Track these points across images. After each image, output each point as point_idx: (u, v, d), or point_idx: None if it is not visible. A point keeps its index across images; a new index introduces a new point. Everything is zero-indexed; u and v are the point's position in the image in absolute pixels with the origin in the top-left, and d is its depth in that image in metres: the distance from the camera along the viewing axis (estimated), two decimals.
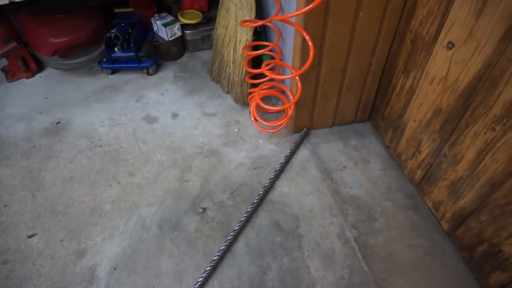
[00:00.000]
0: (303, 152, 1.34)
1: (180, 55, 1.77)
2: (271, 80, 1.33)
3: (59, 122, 1.53)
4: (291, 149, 1.32)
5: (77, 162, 1.37)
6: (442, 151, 1.06)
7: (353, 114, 1.41)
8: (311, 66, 1.14)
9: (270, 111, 1.43)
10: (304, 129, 1.38)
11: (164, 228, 1.15)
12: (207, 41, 1.76)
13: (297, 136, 1.37)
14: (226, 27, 1.48)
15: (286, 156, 1.30)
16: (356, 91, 1.31)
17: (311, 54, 1.03)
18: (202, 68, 1.72)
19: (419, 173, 1.19)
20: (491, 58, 0.84)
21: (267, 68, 1.24)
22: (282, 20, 1.13)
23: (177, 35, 1.67)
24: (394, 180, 1.25)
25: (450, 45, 0.94)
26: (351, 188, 1.22)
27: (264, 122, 1.36)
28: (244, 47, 1.33)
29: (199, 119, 1.48)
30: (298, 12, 0.98)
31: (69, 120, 1.54)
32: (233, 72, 1.47)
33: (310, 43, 1.02)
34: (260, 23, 1.23)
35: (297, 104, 1.27)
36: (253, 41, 1.34)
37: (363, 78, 1.26)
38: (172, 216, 1.17)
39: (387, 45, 1.18)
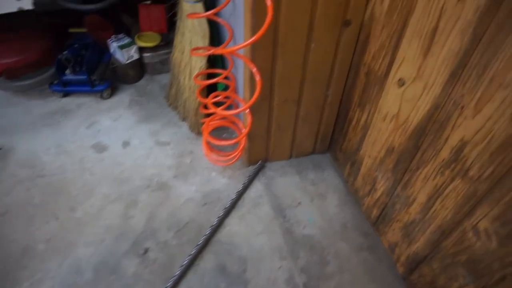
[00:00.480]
0: (257, 187, 1.27)
1: (138, 78, 1.71)
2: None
3: (0, 149, 1.42)
4: (244, 183, 1.25)
5: (14, 194, 1.26)
6: (396, 191, 1.01)
7: (311, 145, 1.36)
8: (262, 98, 1.09)
9: (219, 144, 1.37)
10: (260, 161, 1.32)
11: (101, 271, 1.05)
12: (166, 64, 1.70)
13: (252, 169, 1.31)
14: (182, 52, 1.42)
15: (238, 191, 1.23)
16: (313, 123, 1.26)
17: (258, 87, 0.98)
18: (160, 92, 1.66)
19: (375, 212, 1.14)
20: (439, 99, 0.80)
21: (213, 100, 1.18)
22: (230, 52, 1.08)
23: (134, 58, 1.60)
24: (350, 217, 1.20)
25: (401, 82, 0.90)
26: (304, 227, 1.16)
27: (215, 157, 1.29)
28: (196, 76, 1.28)
29: (151, 148, 1.41)
30: (243, 44, 0.93)
31: (12, 146, 1.43)
32: (189, 99, 1.41)
33: (257, 77, 0.97)
34: (208, 52, 1.18)
35: (250, 136, 1.21)
36: (207, 68, 1.29)
37: (320, 109, 1.22)
38: (110, 258, 1.08)
39: (343, 78, 1.14)
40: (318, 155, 1.40)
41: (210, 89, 1.36)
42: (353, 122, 1.17)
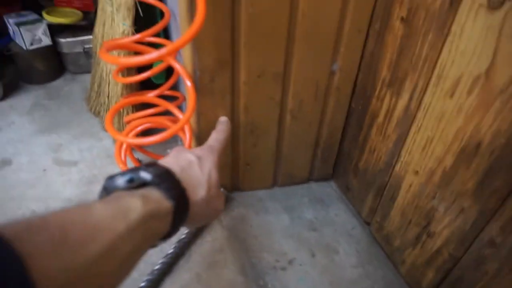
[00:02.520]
0: (216, 233, 0.76)
1: (52, 75, 1.23)
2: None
3: None
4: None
5: None
6: (483, 235, 0.52)
7: (307, 166, 0.87)
8: (220, 64, 0.62)
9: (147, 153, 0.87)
10: (221, 189, 0.81)
11: None
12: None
13: None
14: (103, 36, 0.97)
15: (181, 240, 0.71)
16: (309, 123, 0.78)
17: (199, 18, 0.50)
18: (82, 95, 1.17)
19: (430, 276, 0.63)
20: None
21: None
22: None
23: (42, 43, 1.13)
24: (382, 287, 0.68)
25: (494, 2, 0.45)
26: None
27: None
28: (116, 71, 0.81)
29: (44, 170, 0.89)
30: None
31: None
32: (113, 100, 0.93)
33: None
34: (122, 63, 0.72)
35: (202, 142, 0.72)
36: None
37: (321, 97, 0.75)
38: None
39: (360, 37, 0.69)
40: (318, 184, 0.91)
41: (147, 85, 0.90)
42: (380, 117, 0.70)
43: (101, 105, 1.02)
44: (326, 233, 0.79)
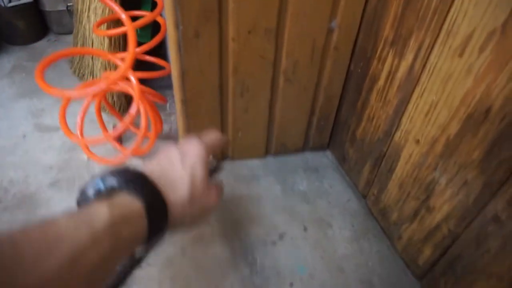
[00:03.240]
0: None
1: (35, 36, 1.17)
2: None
3: None
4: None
5: None
6: (487, 210, 0.48)
7: (301, 134, 0.82)
8: (206, 17, 0.56)
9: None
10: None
11: None
12: None
13: None
14: None
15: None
16: (304, 87, 0.73)
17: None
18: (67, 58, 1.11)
19: (427, 253, 0.60)
20: None
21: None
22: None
23: (22, 0, 1.06)
24: (376, 264, 0.65)
25: None
26: (291, 285, 0.61)
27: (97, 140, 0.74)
28: (97, 24, 0.74)
29: (24, 136, 0.85)
30: None
31: None
32: (97, 62, 0.88)
33: None
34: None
35: (188, 106, 0.67)
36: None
37: (317, 59, 0.69)
38: None
39: None
40: (313, 153, 0.87)
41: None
42: (381, 80, 0.64)
43: (85, 68, 0.97)
44: (319, 205, 0.75)
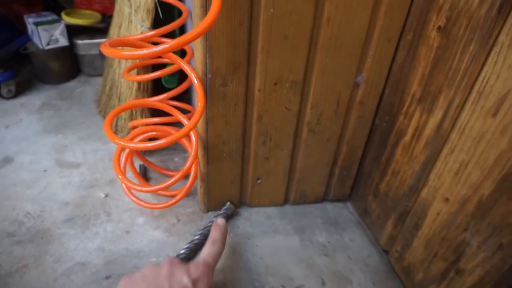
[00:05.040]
0: None
1: (66, 76, 1.21)
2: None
3: None
4: (194, 242, 0.67)
5: None
6: None
7: (322, 184, 0.80)
8: (234, 68, 0.57)
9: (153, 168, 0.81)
10: (228, 204, 0.75)
11: None
12: None
13: (212, 216, 0.74)
14: (118, 34, 0.94)
15: (181, 257, 0.65)
16: (327, 138, 0.72)
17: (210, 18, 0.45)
18: (94, 98, 1.14)
19: None
20: None
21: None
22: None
23: (59, 43, 1.12)
24: None
25: None
26: None
27: (145, 189, 0.72)
28: (128, 70, 0.77)
29: (45, 170, 0.85)
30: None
31: None
32: (124, 101, 0.90)
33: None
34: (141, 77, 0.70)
35: (210, 157, 0.66)
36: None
37: (342, 112, 0.69)
38: None
39: (389, 47, 0.63)
40: (333, 204, 0.85)
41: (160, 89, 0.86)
42: (407, 135, 0.63)
43: (111, 108, 0.98)
44: (339, 259, 0.72)
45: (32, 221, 0.72)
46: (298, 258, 0.71)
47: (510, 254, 0.46)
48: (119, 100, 0.93)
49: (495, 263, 0.48)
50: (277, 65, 0.59)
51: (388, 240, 0.72)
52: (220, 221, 0.61)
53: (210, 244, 0.56)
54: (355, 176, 0.81)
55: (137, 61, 0.79)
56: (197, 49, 0.56)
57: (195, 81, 0.57)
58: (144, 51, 0.47)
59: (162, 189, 0.68)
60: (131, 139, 0.73)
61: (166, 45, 0.46)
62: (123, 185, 0.73)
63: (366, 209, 0.79)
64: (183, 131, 0.57)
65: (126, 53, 0.47)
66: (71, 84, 1.21)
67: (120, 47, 0.74)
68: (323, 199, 0.84)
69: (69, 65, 1.20)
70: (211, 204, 0.75)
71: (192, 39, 0.47)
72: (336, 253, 0.73)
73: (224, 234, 0.59)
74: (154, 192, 0.78)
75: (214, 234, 0.58)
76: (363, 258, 0.73)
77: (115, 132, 0.96)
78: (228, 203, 0.75)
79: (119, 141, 0.58)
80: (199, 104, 0.56)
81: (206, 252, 0.55)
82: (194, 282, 0.47)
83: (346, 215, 0.82)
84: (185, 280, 0.46)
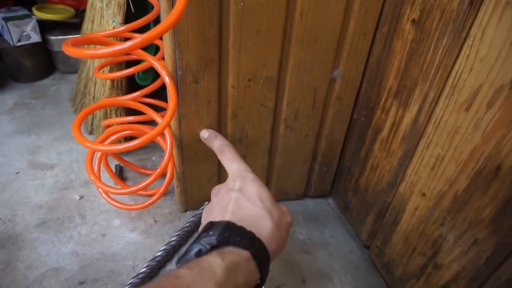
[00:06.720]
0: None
1: (40, 74, 1.17)
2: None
3: None
4: (170, 244, 0.66)
5: None
6: (500, 272, 0.45)
7: (302, 181, 0.80)
8: (205, 63, 0.55)
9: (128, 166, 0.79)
10: (206, 203, 0.74)
11: None
12: None
13: (190, 216, 0.73)
14: (91, 32, 0.91)
15: (157, 259, 0.63)
16: (305, 135, 0.71)
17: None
18: (69, 96, 1.11)
19: None
20: None
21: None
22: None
23: (31, 40, 1.08)
24: None
25: None
26: None
27: (119, 192, 0.70)
28: (98, 68, 0.75)
29: (17, 173, 0.82)
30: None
31: None
32: (99, 99, 0.87)
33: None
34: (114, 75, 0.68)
35: (186, 152, 0.65)
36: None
37: (319, 108, 0.68)
38: None
39: (365, 41, 0.62)
40: (314, 200, 0.84)
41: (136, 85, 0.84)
42: (385, 130, 0.63)
43: (86, 107, 0.96)
44: (319, 256, 0.71)
45: (3, 226, 0.69)
46: (278, 256, 0.70)
47: (485, 249, 0.46)
48: (93, 98, 0.90)
49: (470, 258, 0.48)
50: (250, 60, 0.58)
51: (368, 235, 0.72)
52: (204, 134, 0.60)
53: (220, 153, 0.54)
54: (335, 171, 0.81)
55: (109, 58, 0.77)
56: (166, 44, 0.54)
57: (167, 79, 0.55)
58: (107, 50, 0.45)
59: (138, 190, 0.66)
60: (105, 139, 0.71)
61: (130, 43, 0.44)
62: (98, 188, 0.71)
63: (347, 205, 0.78)
64: (154, 131, 0.55)
65: (89, 52, 0.45)
66: (46, 82, 1.17)
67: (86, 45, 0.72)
68: (304, 195, 0.83)
69: (43, 62, 1.16)
70: (189, 204, 0.74)
71: (158, 35, 0.45)
72: (317, 250, 0.72)
73: (218, 136, 0.58)
74: (130, 194, 0.76)
75: (212, 142, 0.57)
76: (344, 254, 0.72)
77: (91, 131, 0.94)
78: (206, 202, 0.74)
79: (88, 144, 0.57)
80: (171, 104, 0.54)
81: (226, 159, 0.53)
82: (240, 190, 0.46)
83: (327, 211, 0.82)
84: (232, 194, 0.46)
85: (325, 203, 0.84)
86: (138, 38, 0.44)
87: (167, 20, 0.44)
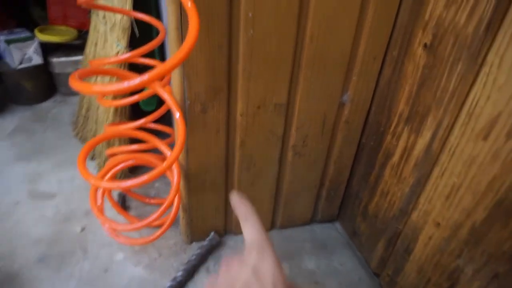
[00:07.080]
0: (202, 280, 0.65)
1: (41, 96, 1.16)
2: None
3: None
4: (176, 279, 0.63)
5: None
6: None
7: (310, 207, 0.78)
8: (214, 93, 0.54)
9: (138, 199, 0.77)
10: (212, 233, 0.72)
11: None
12: None
13: (196, 248, 0.70)
14: (94, 56, 0.91)
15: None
16: (313, 160, 0.70)
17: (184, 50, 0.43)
18: (70, 119, 1.09)
19: None
20: None
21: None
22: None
23: (33, 62, 1.07)
24: None
25: None
26: None
27: (126, 228, 0.68)
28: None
29: (16, 203, 0.80)
30: None
31: None
32: (100, 126, 0.86)
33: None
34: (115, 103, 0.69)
35: (193, 182, 0.63)
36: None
37: (328, 133, 0.67)
38: None
39: (374, 65, 0.61)
40: (321, 226, 0.82)
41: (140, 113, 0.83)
42: (395, 156, 0.61)
43: (88, 131, 0.94)
44: (329, 286, 0.69)
45: (1, 263, 0.67)
46: None
47: (506, 284, 0.44)
48: (96, 123, 0.89)
49: None
50: (260, 88, 0.57)
51: (378, 263, 0.70)
52: (234, 199, 0.56)
53: (245, 222, 0.50)
54: (343, 196, 0.79)
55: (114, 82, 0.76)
56: (174, 74, 0.53)
57: (177, 114, 0.53)
58: (117, 87, 0.43)
59: (146, 225, 0.64)
60: (109, 170, 0.69)
61: (146, 76, 0.42)
62: (103, 225, 0.68)
63: (355, 230, 0.76)
64: (162, 168, 0.53)
65: (98, 89, 0.44)
66: (47, 104, 1.16)
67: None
68: (311, 220, 0.81)
69: (44, 85, 1.15)
70: (195, 235, 0.71)
71: (170, 70, 0.44)
72: (326, 279, 0.70)
73: (245, 203, 0.54)
74: (136, 230, 0.74)
75: (239, 209, 0.52)
76: (353, 283, 0.70)
77: (92, 157, 0.92)
78: (212, 232, 0.71)
79: (95, 182, 0.55)
80: (180, 138, 0.52)
81: (247, 230, 0.48)
82: (254, 270, 0.40)
83: (335, 237, 0.80)
84: (244, 274, 0.39)
85: (333, 228, 0.82)
86: (153, 71, 0.42)
87: (180, 52, 0.42)
